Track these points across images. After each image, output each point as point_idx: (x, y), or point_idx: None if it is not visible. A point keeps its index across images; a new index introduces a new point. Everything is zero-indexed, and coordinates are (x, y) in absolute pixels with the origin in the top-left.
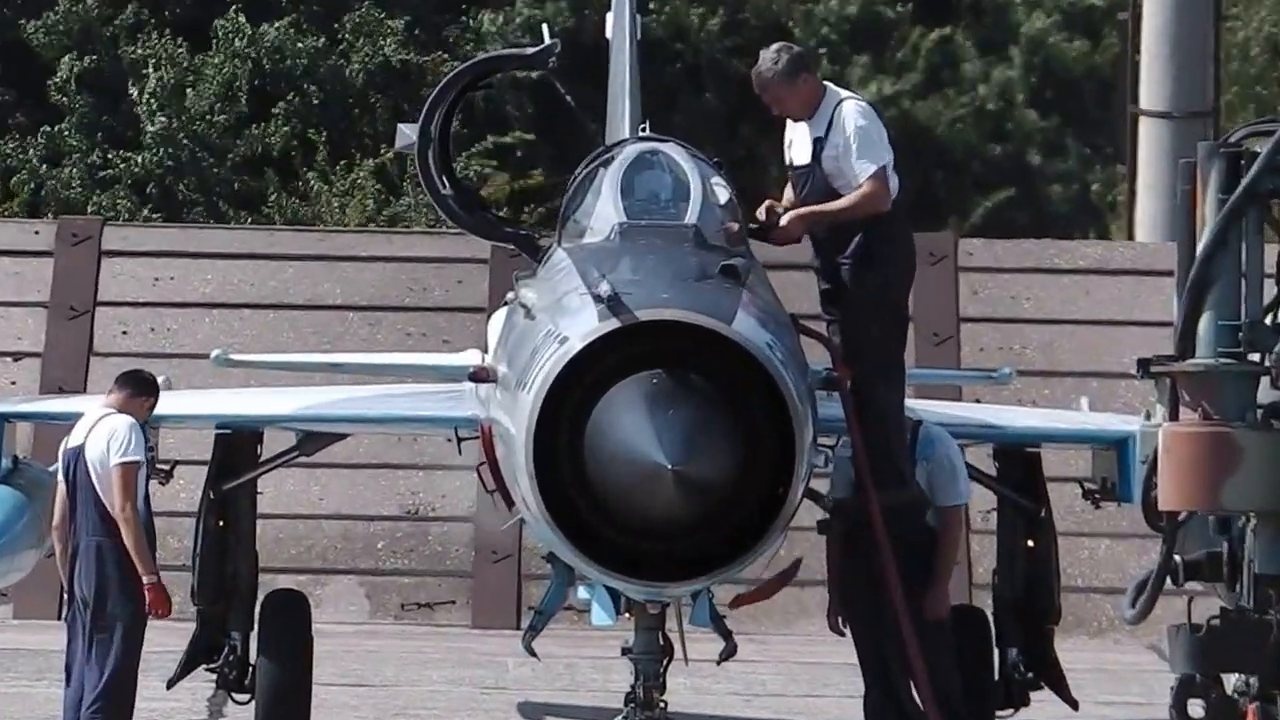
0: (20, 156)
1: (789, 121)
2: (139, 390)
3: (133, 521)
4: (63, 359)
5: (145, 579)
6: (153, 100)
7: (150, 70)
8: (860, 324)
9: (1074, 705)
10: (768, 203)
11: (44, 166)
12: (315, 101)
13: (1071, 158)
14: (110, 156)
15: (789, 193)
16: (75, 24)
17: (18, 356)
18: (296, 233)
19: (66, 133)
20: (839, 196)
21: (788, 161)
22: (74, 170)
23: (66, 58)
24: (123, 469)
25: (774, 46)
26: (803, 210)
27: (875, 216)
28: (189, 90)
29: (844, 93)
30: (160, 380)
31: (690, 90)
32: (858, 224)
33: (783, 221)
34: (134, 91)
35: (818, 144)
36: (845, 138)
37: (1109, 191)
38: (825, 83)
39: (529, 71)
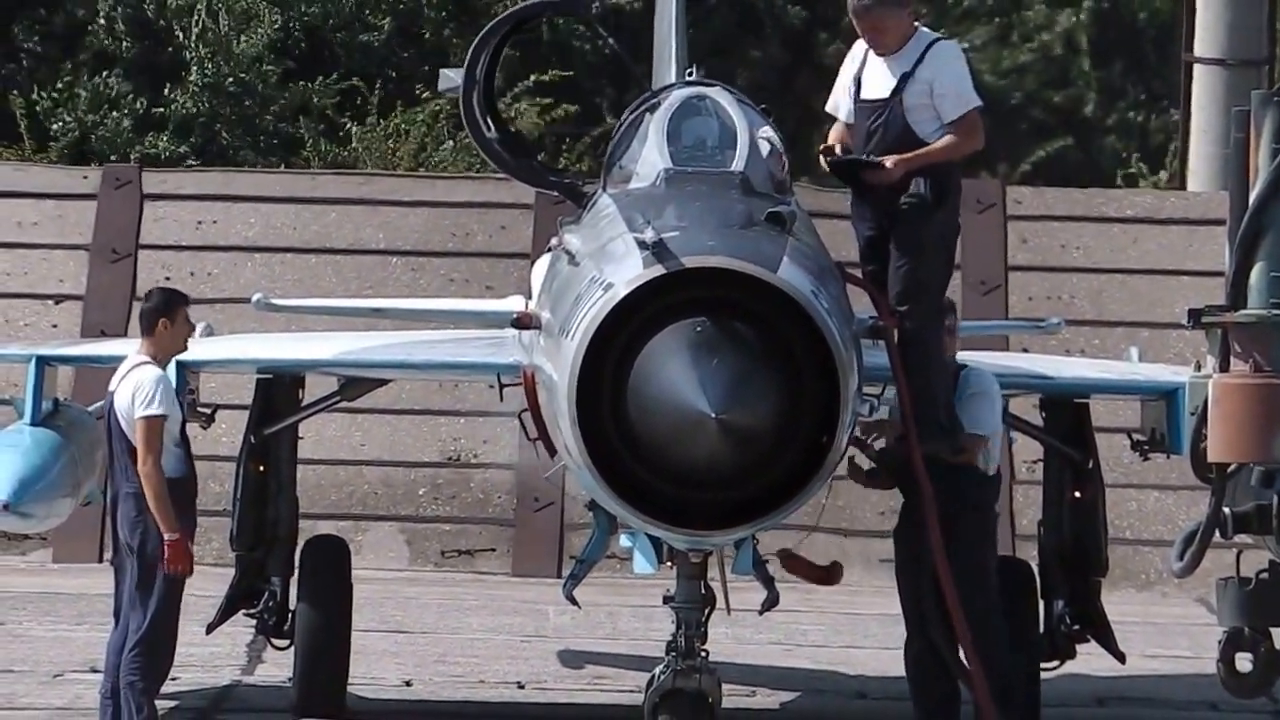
0: (65, 103)
1: (856, 52)
2: (150, 326)
3: (152, 477)
4: (104, 302)
5: (166, 535)
6: (200, 44)
7: (201, 11)
8: (917, 268)
9: (1121, 658)
10: (839, 136)
11: (89, 115)
12: (367, 54)
13: (1129, 105)
14: (155, 102)
15: (836, 129)
16: None
17: (59, 299)
18: (338, 176)
19: (111, 79)
20: (913, 132)
21: (854, 92)
22: (120, 116)
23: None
24: (145, 423)
25: None
26: (908, 155)
27: (954, 161)
28: (242, 37)
29: (933, 33)
30: (201, 326)
31: (745, 40)
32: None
33: (888, 163)
34: (180, 34)
35: (904, 79)
36: (941, 73)
37: (1164, 139)
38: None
39: (573, 15)
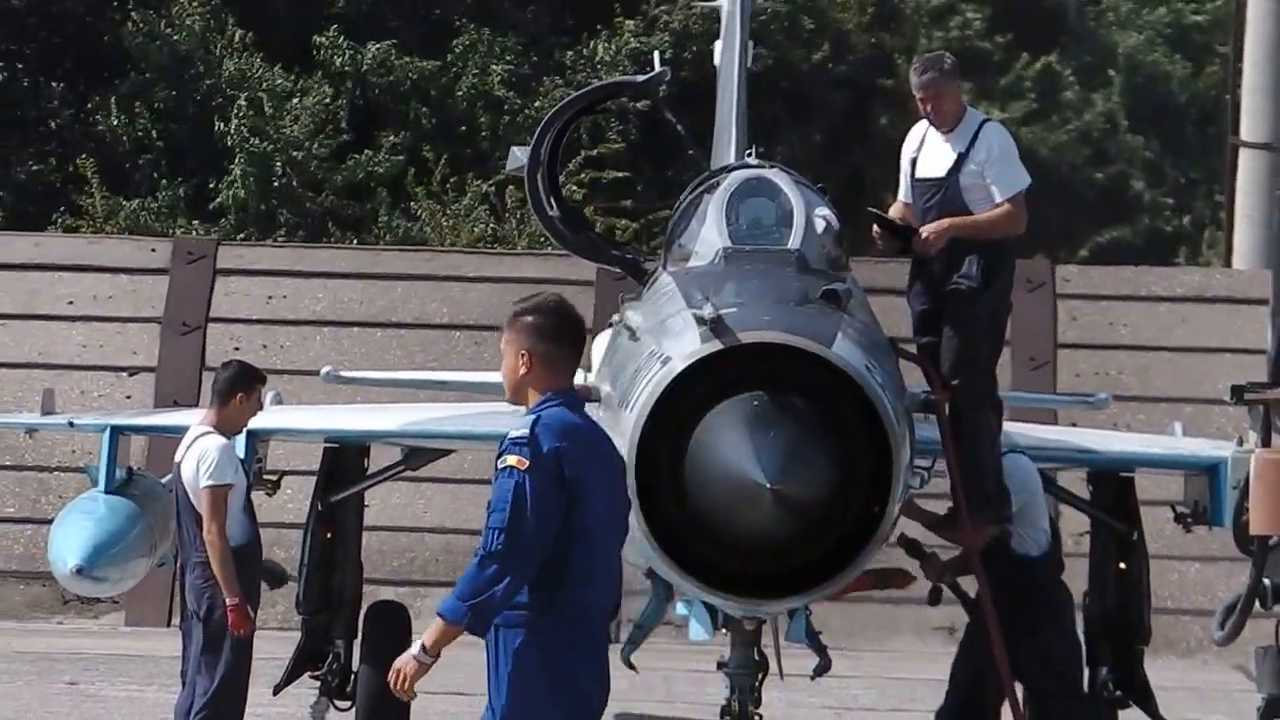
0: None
1: (915, 135)
2: (226, 397)
3: (216, 544)
4: (176, 373)
5: (228, 599)
6: (243, 128)
7: (241, 99)
8: (969, 345)
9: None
10: (901, 206)
11: (135, 201)
12: (426, 124)
13: (1169, 183)
14: (204, 187)
15: (896, 208)
16: (178, 44)
17: (133, 371)
18: (403, 253)
19: (157, 166)
20: (969, 211)
21: (910, 172)
22: (166, 200)
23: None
24: (209, 492)
25: (933, 55)
26: (946, 222)
27: (1004, 238)
28: (286, 118)
29: (983, 114)
30: (270, 395)
31: (792, 121)
32: (978, 244)
33: (925, 232)
34: (220, 125)
35: (960, 159)
36: (993, 155)
37: (1208, 219)
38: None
39: (640, 97)
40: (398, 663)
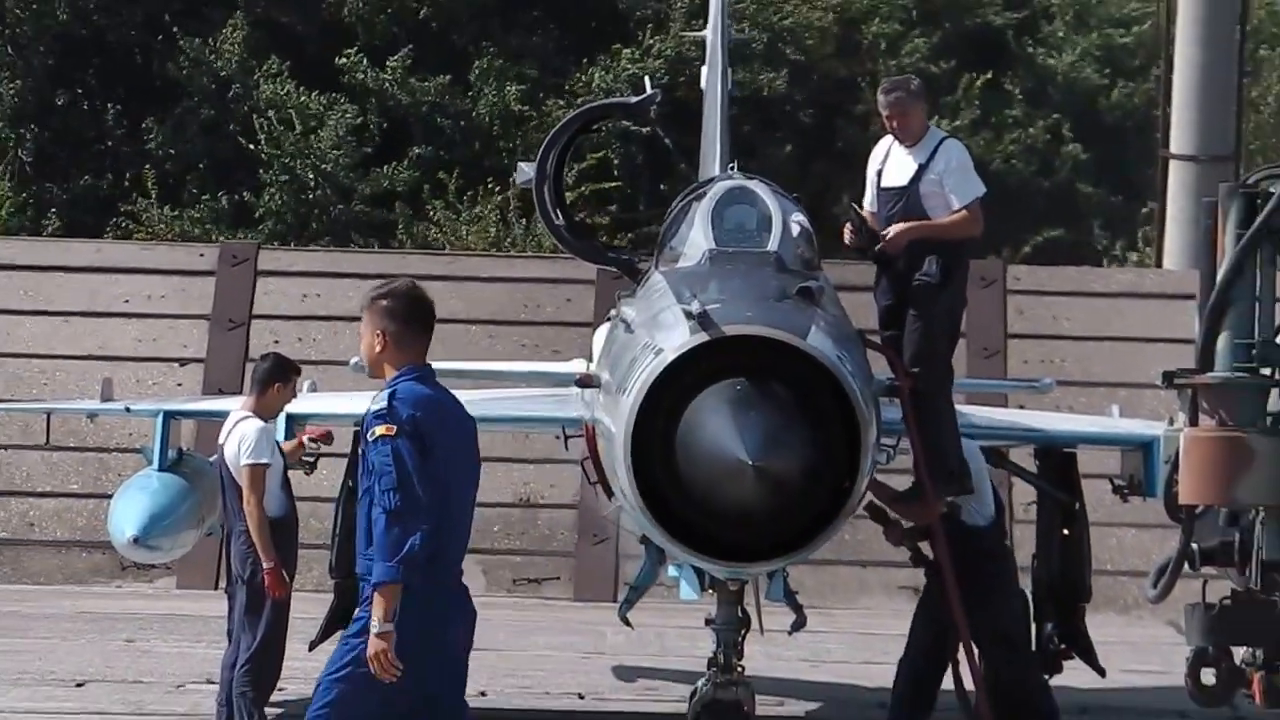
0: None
1: (880, 149)
2: (264, 386)
3: (255, 516)
4: (222, 365)
5: (264, 564)
6: (278, 145)
7: (271, 116)
8: (929, 337)
9: (1101, 673)
10: (867, 214)
11: (182, 206)
12: (444, 141)
13: (1106, 191)
14: (244, 197)
15: (866, 212)
16: (220, 71)
17: (184, 362)
18: (425, 256)
19: (204, 179)
20: (929, 217)
21: (876, 182)
22: (209, 209)
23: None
24: (249, 470)
25: (900, 76)
26: (909, 225)
27: (961, 241)
28: (314, 134)
29: (943, 132)
30: (306, 384)
31: (767, 138)
32: (939, 245)
33: (889, 234)
34: (258, 139)
35: (921, 169)
36: (951, 166)
37: (1141, 224)
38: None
39: (634, 117)
40: (370, 653)
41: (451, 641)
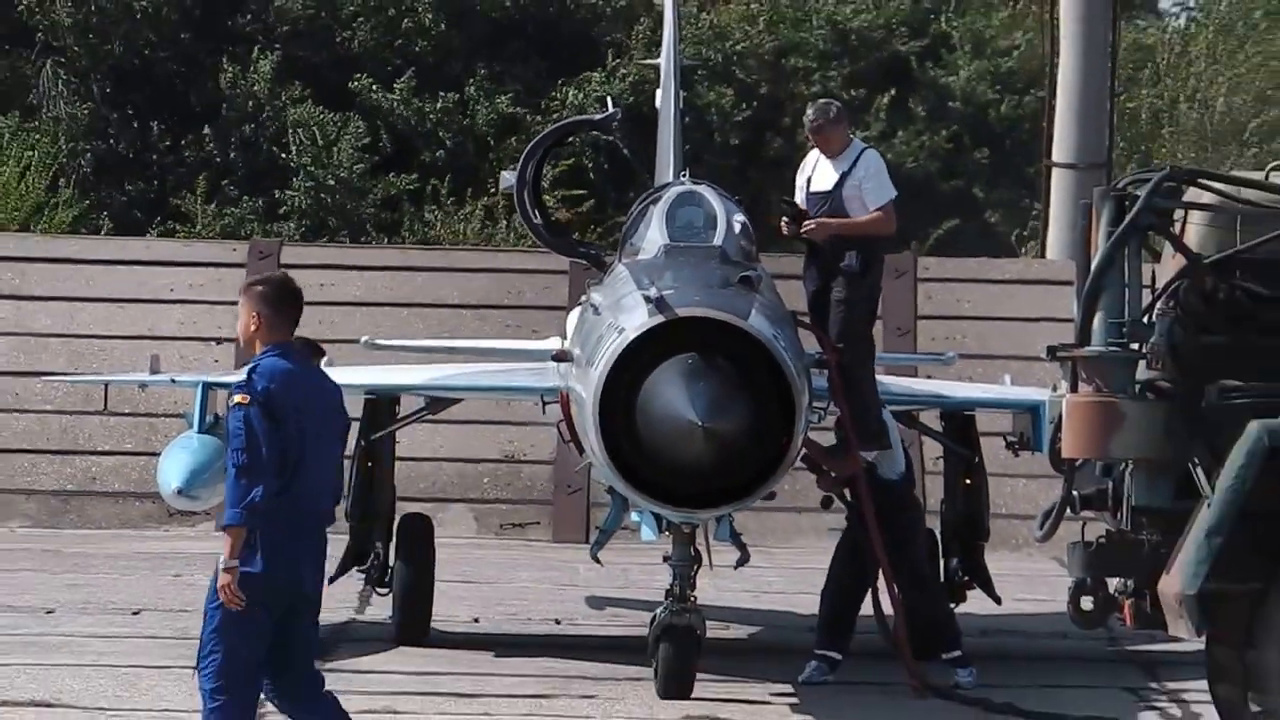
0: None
1: (810, 159)
2: None
3: None
4: None
5: None
6: (303, 155)
7: (299, 133)
8: (849, 319)
9: (998, 601)
10: (799, 207)
11: (235, 206)
12: (441, 152)
13: (999, 193)
14: (275, 196)
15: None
16: (255, 93)
17: (219, 341)
18: (424, 250)
19: (238, 184)
20: (848, 215)
21: (805, 187)
22: (247, 208)
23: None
24: None
25: (824, 101)
26: (830, 220)
27: (876, 236)
28: (334, 146)
29: (864, 143)
30: (324, 360)
31: (710, 150)
32: (856, 240)
33: (813, 222)
34: (289, 150)
35: (843, 176)
36: (869, 174)
37: (1028, 221)
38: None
39: (599, 132)
40: (219, 584)
41: (303, 577)
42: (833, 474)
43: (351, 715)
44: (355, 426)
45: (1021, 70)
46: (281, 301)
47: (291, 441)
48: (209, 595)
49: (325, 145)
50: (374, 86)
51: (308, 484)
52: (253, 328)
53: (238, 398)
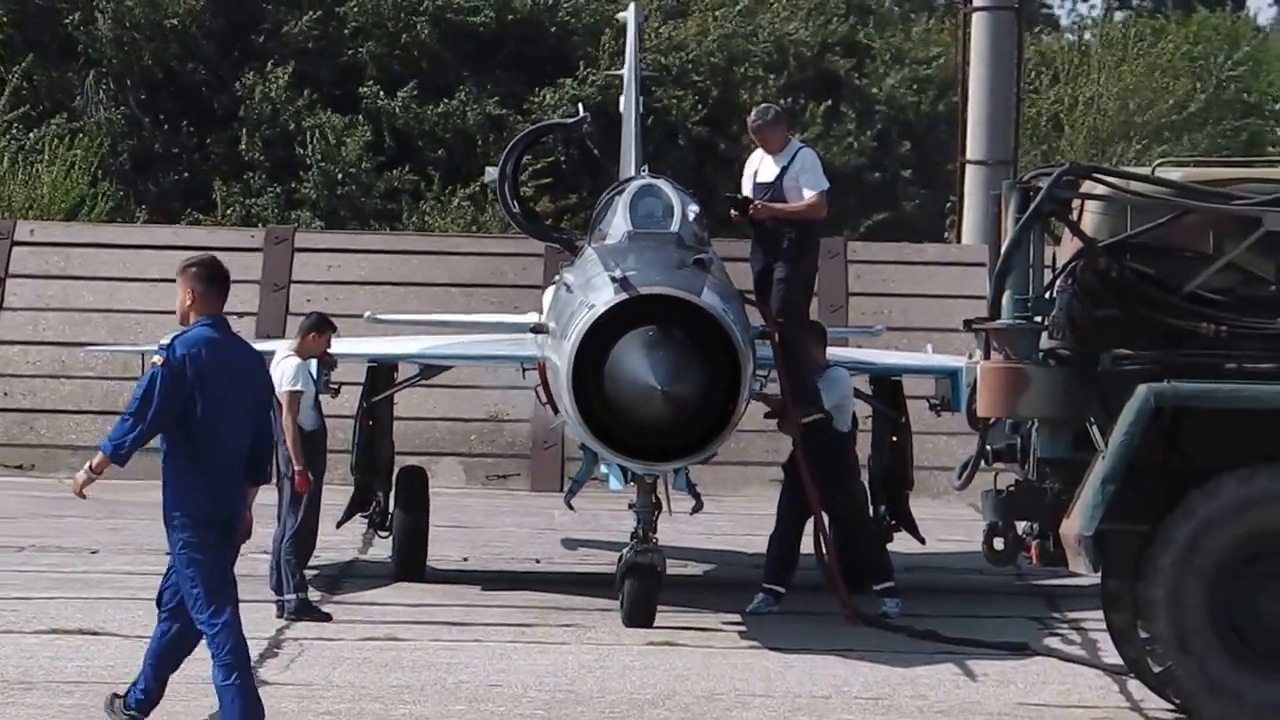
0: (237, 195)
1: (756, 156)
2: (304, 334)
3: (290, 429)
4: (269, 317)
5: (295, 466)
6: (317, 153)
7: (315, 135)
8: (789, 296)
9: (922, 541)
10: (746, 195)
11: (253, 198)
12: (435, 150)
13: (920, 185)
14: (292, 189)
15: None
16: (266, 105)
17: (241, 315)
18: (419, 236)
19: (264, 181)
20: (786, 202)
21: (753, 178)
22: (270, 200)
23: (267, 131)
24: (287, 395)
25: (764, 105)
26: (772, 205)
27: (812, 222)
28: (344, 145)
29: (800, 142)
30: (335, 335)
31: (669, 147)
32: (796, 224)
33: (757, 205)
34: (304, 149)
35: (783, 170)
36: (804, 167)
37: (946, 210)
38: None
39: (570, 133)
40: (77, 477)
41: (233, 505)
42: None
43: (357, 641)
44: (359, 392)
45: (937, 78)
46: (212, 280)
47: (221, 396)
48: (174, 550)
49: (336, 145)
50: (380, 94)
51: (227, 431)
52: (188, 303)
53: (156, 359)
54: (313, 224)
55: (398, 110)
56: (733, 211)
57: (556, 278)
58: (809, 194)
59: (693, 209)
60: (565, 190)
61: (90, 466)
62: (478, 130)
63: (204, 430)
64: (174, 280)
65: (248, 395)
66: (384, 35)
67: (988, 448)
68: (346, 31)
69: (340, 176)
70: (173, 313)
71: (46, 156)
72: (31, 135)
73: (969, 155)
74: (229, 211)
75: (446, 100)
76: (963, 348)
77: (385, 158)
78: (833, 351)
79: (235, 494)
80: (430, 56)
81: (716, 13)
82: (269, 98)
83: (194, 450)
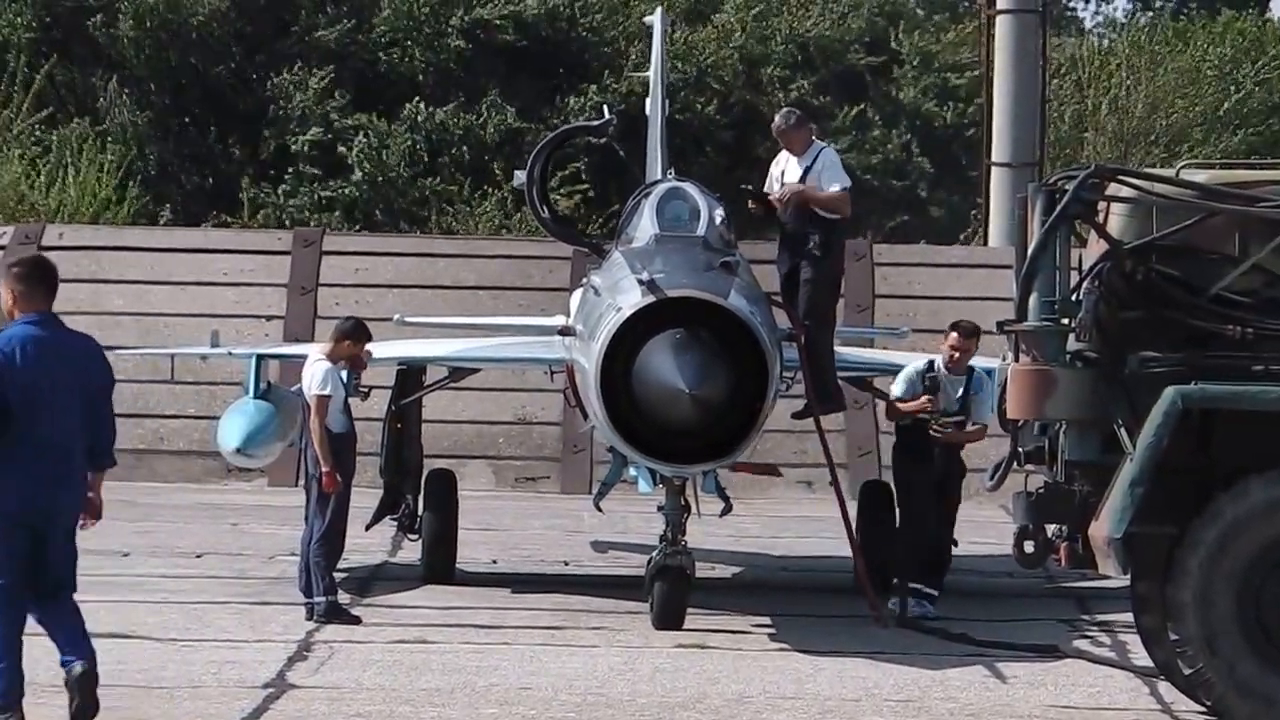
0: (268, 196)
1: (781, 157)
2: (338, 339)
3: (317, 432)
4: (298, 320)
5: (323, 468)
6: (360, 156)
7: (357, 138)
8: (815, 297)
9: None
10: (760, 190)
11: (285, 200)
12: (466, 156)
13: (945, 190)
14: (330, 191)
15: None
16: (308, 107)
17: (269, 318)
18: (446, 239)
19: (298, 182)
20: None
21: (780, 178)
22: (305, 201)
23: (307, 134)
24: (316, 399)
25: (787, 109)
26: (796, 186)
27: (836, 220)
28: (384, 150)
29: (824, 143)
30: (369, 342)
31: (694, 151)
32: (820, 225)
33: (779, 194)
34: (343, 150)
35: (807, 171)
36: (825, 165)
37: (972, 214)
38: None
39: (596, 137)
40: None
41: (53, 503)
42: (899, 406)
43: (387, 644)
44: (388, 395)
45: (965, 89)
46: (31, 279)
47: (37, 391)
48: None
49: (378, 148)
50: (419, 104)
51: (54, 425)
52: (10, 301)
53: None
54: (346, 228)
55: (435, 119)
56: (750, 203)
57: (584, 280)
58: (833, 189)
59: (719, 212)
60: (594, 193)
61: None
62: (501, 139)
63: (19, 429)
64: (204, 283)
65: (77, 389)
66: (416, 42)
67: (1019, 449)
68: (375, 35)
69: (381, 179)
70: (203, 315)
71: (70, 160)
72: (54, 137)
73: (994, 158)
74: (260, 213)
75: (474, 108)
76: (995, 350)
77: (421, 166)
78: (858, 353)
79: (55, 493)
80: (464, 65)
81: (733, 17)
82: (306, 100)
83: (6, 449)
